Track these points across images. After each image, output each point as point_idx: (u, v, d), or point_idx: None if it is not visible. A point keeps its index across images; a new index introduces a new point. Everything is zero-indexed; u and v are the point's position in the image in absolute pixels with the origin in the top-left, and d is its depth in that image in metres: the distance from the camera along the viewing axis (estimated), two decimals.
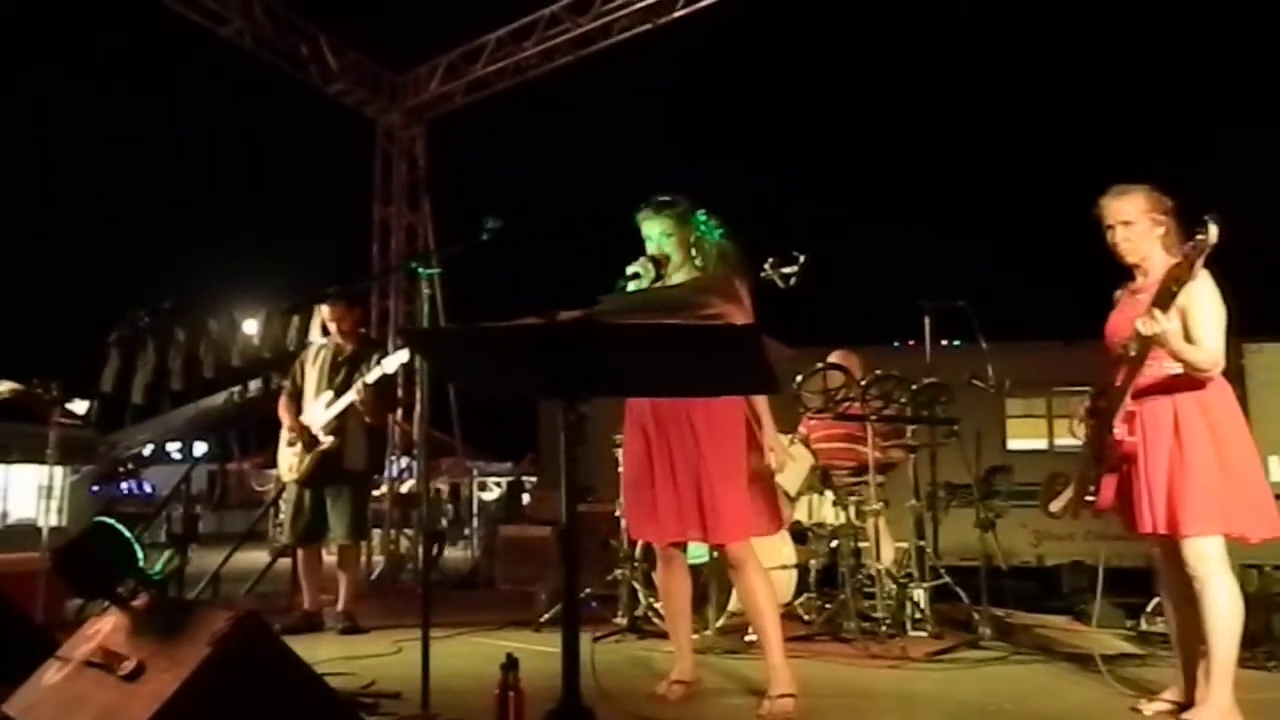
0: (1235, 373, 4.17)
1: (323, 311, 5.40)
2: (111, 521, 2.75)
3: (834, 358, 5.20)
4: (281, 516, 5.43)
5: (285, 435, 5.20)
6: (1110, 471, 3.04)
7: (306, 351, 5.43)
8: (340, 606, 5.12)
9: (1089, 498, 3.09)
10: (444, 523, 15.57)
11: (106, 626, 2.67)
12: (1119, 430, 2.96)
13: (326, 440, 5.01)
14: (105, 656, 2.48)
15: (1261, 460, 4.16)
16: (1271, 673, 3.74)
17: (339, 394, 5.00)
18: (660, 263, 3.29)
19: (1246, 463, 2.97)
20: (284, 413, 5.23)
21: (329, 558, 5.50)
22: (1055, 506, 3.25)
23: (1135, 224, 3.04)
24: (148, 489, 22.54)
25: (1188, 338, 2.88)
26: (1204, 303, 2.91)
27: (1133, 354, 2.92)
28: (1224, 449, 2.92)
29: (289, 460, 5.14)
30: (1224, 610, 2.89)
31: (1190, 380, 2.95)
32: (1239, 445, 2.97)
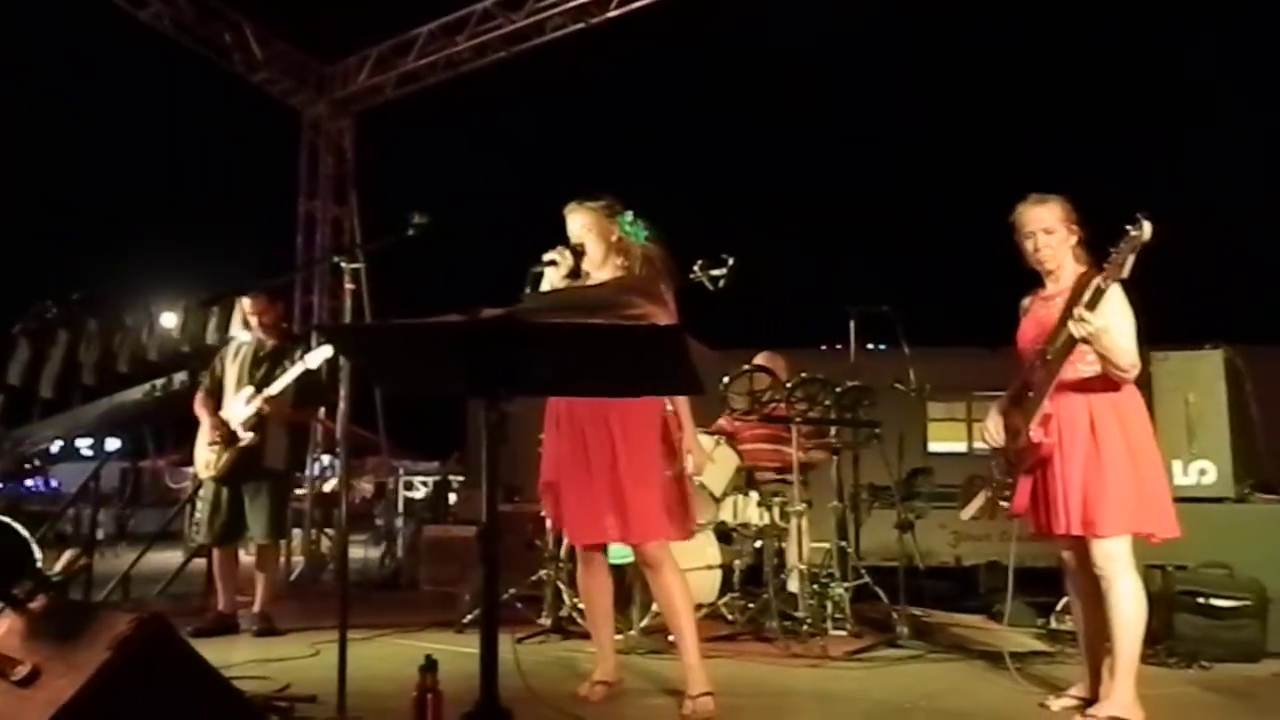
0: (1144, 380, 4.32)
1: (244, 305, 5.27)
2: (7, 520, 2.63)
3: (760, 360, 5.24)
4: (198, 515, 5.25)
5: (204, 432, 5.05)
6: (1026, 474, 3.12)
7: (227, 347, 5.29)
8: (257, 608, 4.99)
9: (1003, 502, 3.16)
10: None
11: (0, 630, 2.56)
12: (1036, 433, 3.03)
13: (246, 436, 4.88)
14: None
15: (1166, 464, 4.37)
16: (1173, 669, 3.88)
17: (259, 389, 4.88)
18: (578, 253, 3.29)
19: (1154, 465, 3.08)
20: (201, 409, 5.08)
21: (246, 558, 5.36)
22: (966, 513, 3.33)
23: (1055, 232, 3.13)
24: (57, 486, 21.71)
25: None
26: (1120, 311, 3.01)
27: (1050, 358, 3.01)
28: (1135, 451, 3.03)
29: (206, 457, 4.99)
30: (1128, 609, 2.99)
31: (1104, 384, 3.04)
32: (1148, 448, 3.08)
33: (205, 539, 5.13)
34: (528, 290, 3.23)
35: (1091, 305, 2.86)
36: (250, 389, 4.93)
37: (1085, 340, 2.90)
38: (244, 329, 5.33)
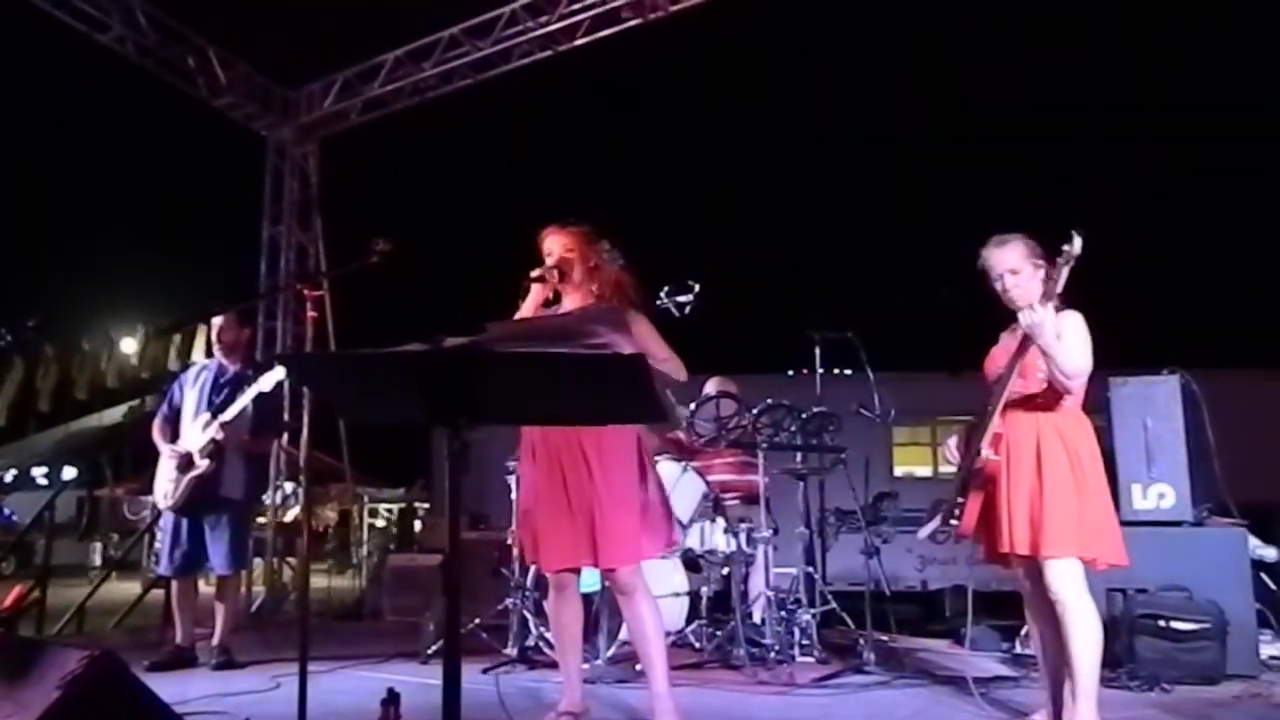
0: (1101, 405, 4.39)
1: (212, 325, 5.14)
2: None
3: (711, 385, 5.27)
4: (157, 545, 5.13)
5: (163, 461, 4.95)
6: (976, 492, 3.16)
7: (187, 372, 5.19)
8: (216, 640, 4.88)
9: (953, 521, 3.20)
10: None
11: None
12: (985, 451, 3.09)
13: (202, 464, 4.78)
14: None
15: (1124, 488, 4.44)
16: (1135, 692, 3.91)
17: (215, 415, 4.79)
18: (564, 271, 3.33)
19: (1100, 492, 3.13)
20: (159, 436, 4.98)
21: (206, 589, 5.26)
22: (923, 532, 3.36)
23: (1020, 271, 3.20)
24: (10, 516, 21.19)
25: None
26: (1075, 329, 3.08)
27: (1003, 375, 3.07)
28: (1080, 477, 3.08)
29: (165, 487, 4.89)
30: (1084, 632, 3.02)
31: (1052, 404, 3.11)
32: (1093, 475, 3.13)
33: (165, 570, 5.01)
34: (521, 300, 3.32)
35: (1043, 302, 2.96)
36: (207, 415, 4.84)
37: (1030, 333, 2.96)
38: (207, 355, 5.25)
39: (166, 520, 4.96)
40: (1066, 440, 3.10)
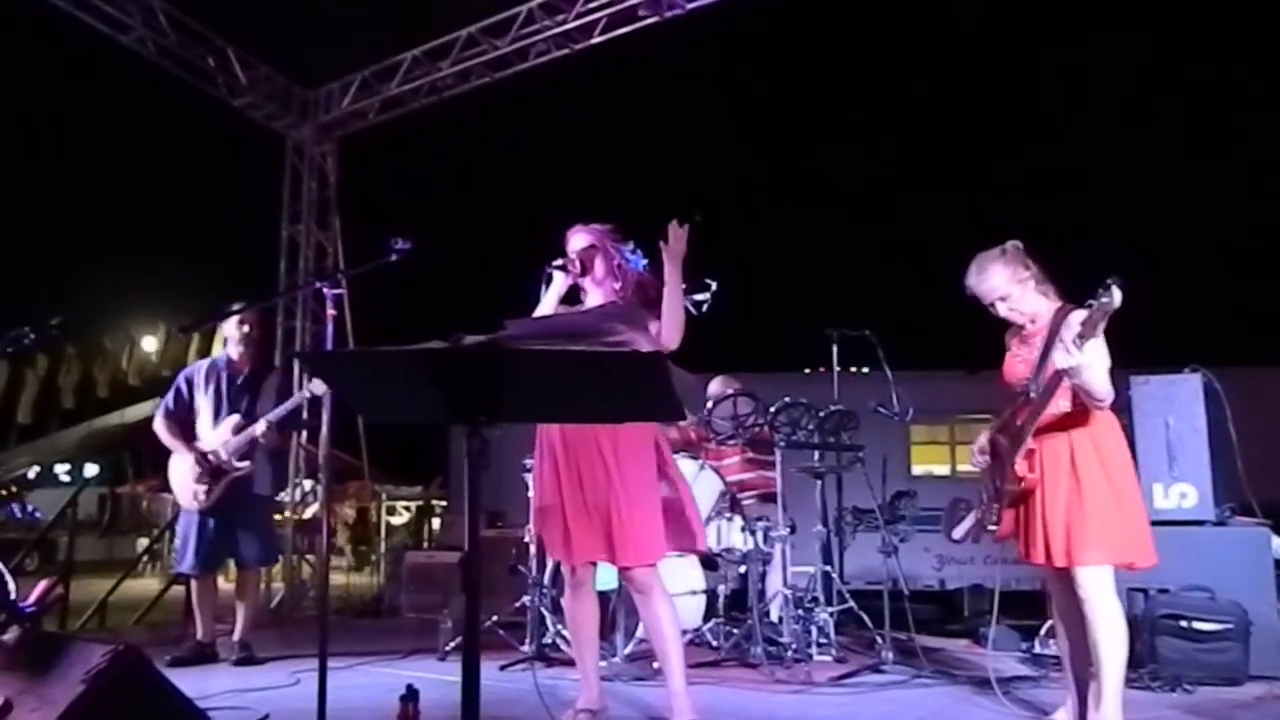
0: (1123, 405, 4.35)
1: (238, 321, 4.98)
2: None
3: (715, 384, 5.27)
4: (177, 543, 5.13)
5: (179, 462, 4.89)
6: (1010, 505, 3.15)
7: (195, 371, 5.07)
8: (237, 636, 4.91)
9: (991, 527, 3.19)
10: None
11: None
12: (1020, 468, 3.07)
13: (242, 466, 4.77)
14: None
15: (1145, 487, 4.40)
16: (1156, 693, 3.88)
17: (247, 417, 4.78)
18: (586, 264, 3.36)
19: (1134, 495, 3.12)
20: (173, 438, 4.89)
21: (225, 585, 5.29)
22: (958, 533, 3.34)
23: (1010, 295, 3.17)
24: (33, 512, 21.42)
25: None
26: (1098, 352, 3.04)
27: (1034, 395, 3.04)
28: (1115, 483, 3.06)
29: (191, 488, 4.82)
30: (1112, 633, 3.00)
31: (1083, 417, 3.08)
32: (1127, 479, 3.11)
33: (187, 569, 4.98)
34: (544, 287, 3.36)
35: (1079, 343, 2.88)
36: (237, 418, 4.82)
37: (1067, 372, 2.91)
38: (224, 348, 5.19)
39: (188, 519, 4.92)
40: (1100, 446, 3.08)
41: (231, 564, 5.11)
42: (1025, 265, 3.16)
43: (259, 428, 4.71)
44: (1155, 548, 3.13)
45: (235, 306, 4.86)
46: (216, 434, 4.85)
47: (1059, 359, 2.92)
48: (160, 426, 4.97)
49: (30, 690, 2.20)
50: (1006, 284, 3.15)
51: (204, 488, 4.80)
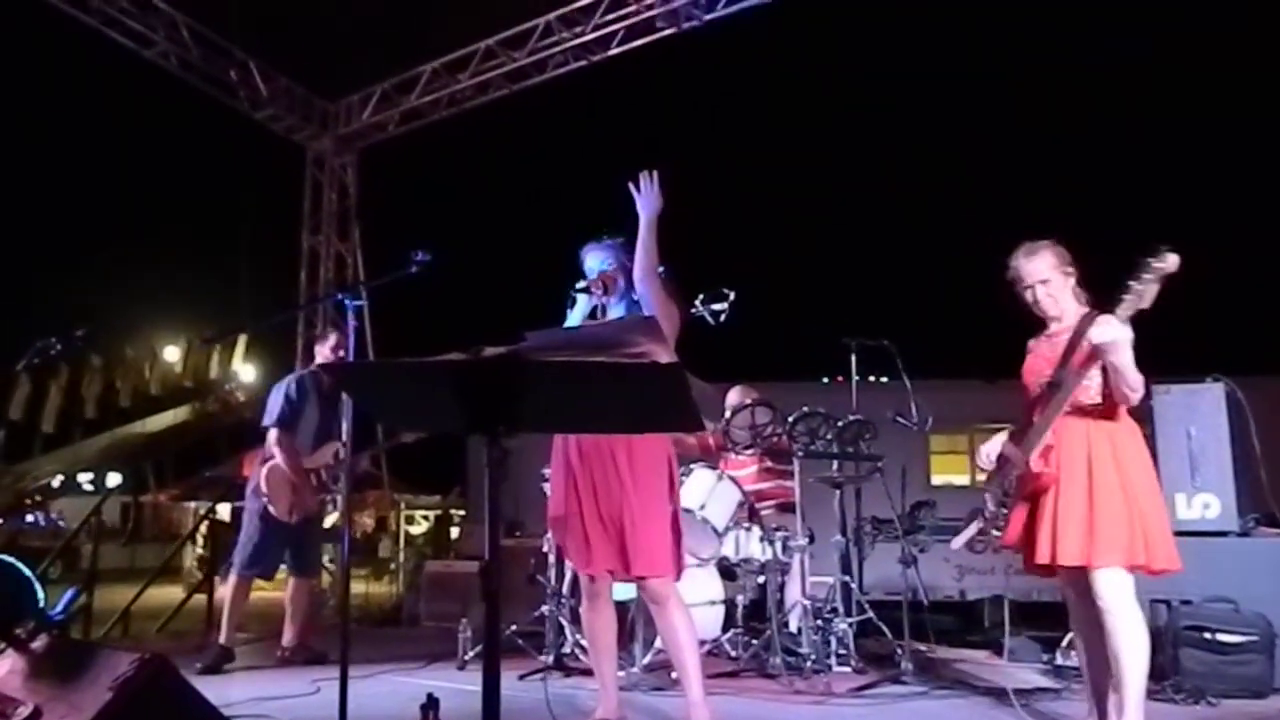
0: (1145, 414, 4.32)
1: (329, 343, 5.22)
2: (10, 559, 2.63)
3: (734, 393, 5.26)
4: (243, 543, 5.15)
5: (288, 472, 4.97)
6: (1022, 502, 3.12)
7: (289, 383, 5.16)
8: (293, 639, 5.18)
9: (995, 532, 3.17)
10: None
11: (2, 670, 2.55)
12: (1036, 463, 3.05)
13: (337, 487, 5.11)
14: None
15: (1168, 497, 4.36)
16: (1180, 705, 3.84)
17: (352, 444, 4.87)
18: (608, 284, 3.42)
19: (1151, 497, 3.08)
20: (285, 452, 4.99)
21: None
22: (957, 542, 3.32)
23: (1051, 281, 3.17)
24: (57, 520, 21.63)
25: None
26: (1127, 341, 3.04)
27: (1057, 389, 3.02)
28: (1129, 484, 3.03)
29: (290, 499, 4.97)
30: (1132, 642, 2.97)
31: (1103, 416, 3.06)
32: (1144, 481, 3.08)
33: (250, 570, 5.07)
34: (569, 308, 3.45)
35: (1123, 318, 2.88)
36: (339, 444, 5.05)
37: (1104, 349, 2.90)
38: (305, 362, 5.37)
39: (265, 525, 5.01)
40: (1116, 447, 3.06)
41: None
42: (1071, 262, 3.18)
43: (342, 450, 4.95)
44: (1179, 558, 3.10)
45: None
46: (319, 455, 5.11)
47: (1095, 334, 2.90)
48: (278, 438, 5.05)
49: (59, 697, 2.23)
50: (1052, 269, 3.17)
51: (309, 502, 5.05)
